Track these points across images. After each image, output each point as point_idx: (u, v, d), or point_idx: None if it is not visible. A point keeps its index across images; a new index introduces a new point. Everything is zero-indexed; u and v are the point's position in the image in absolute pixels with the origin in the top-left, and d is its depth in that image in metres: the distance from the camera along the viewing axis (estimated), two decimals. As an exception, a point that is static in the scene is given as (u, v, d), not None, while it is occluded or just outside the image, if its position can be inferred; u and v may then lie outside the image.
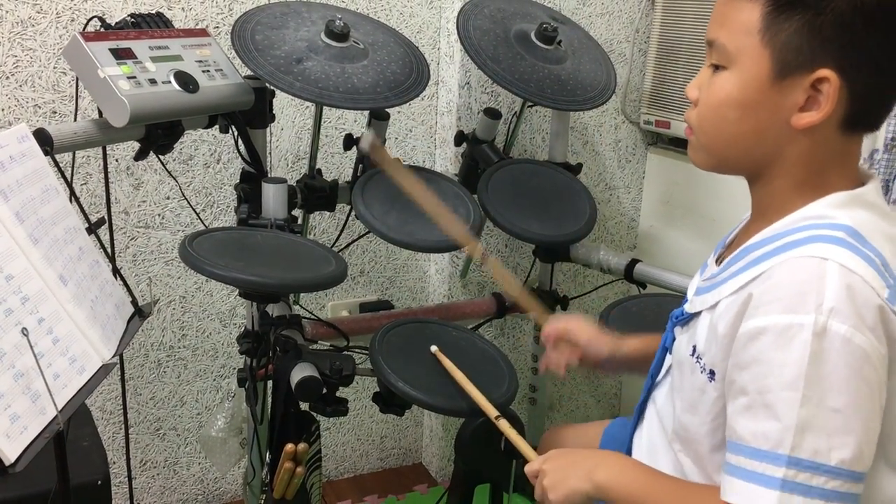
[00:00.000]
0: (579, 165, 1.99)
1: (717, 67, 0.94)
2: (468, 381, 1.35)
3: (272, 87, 1.59)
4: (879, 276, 0.84)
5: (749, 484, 0.85)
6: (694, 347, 0.99)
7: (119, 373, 1.83)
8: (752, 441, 0.85)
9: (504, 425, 1.24)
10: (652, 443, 1.13)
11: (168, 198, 1.99)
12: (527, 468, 1.07)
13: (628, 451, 1.19)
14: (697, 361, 0.97)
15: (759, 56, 0.90)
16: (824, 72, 0.87)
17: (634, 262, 1.86)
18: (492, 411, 1.28)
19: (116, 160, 1.91)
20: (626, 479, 0.98)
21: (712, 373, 0.94)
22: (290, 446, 1.37)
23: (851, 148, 0.93)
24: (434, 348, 1.45)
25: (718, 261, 1.02)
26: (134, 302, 1.33)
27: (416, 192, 1.54)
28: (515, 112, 2.09)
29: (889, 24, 0.86)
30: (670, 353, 1.10)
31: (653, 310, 1.69)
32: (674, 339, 1.08)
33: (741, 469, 0.86)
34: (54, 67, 1.81)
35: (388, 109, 1.76)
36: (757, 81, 0.90)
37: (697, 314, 1.00)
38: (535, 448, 1.19)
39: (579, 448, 1.27)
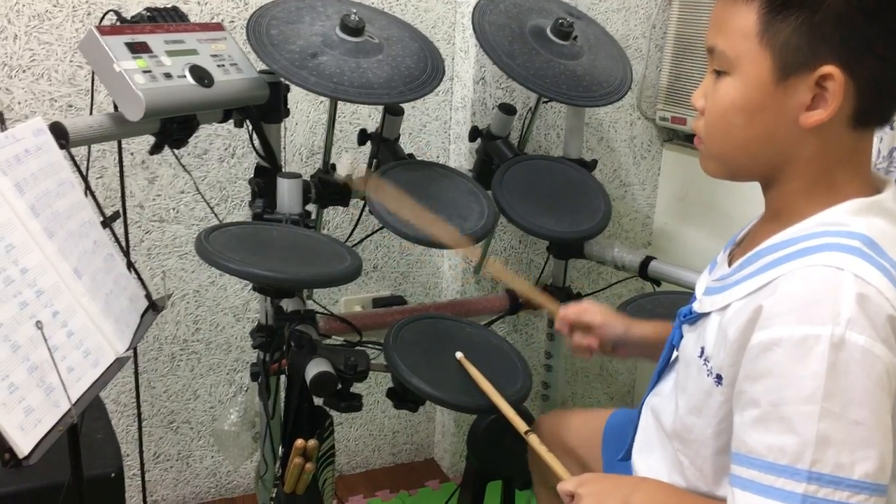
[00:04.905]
0: (594, 162, 1.97)
1: (719, 73, 0.93)
2: (495, 391, 1.32)
3: (287, 82, 1.58)
4: (894, 287, 0.83)
5: (767, 500, 0.82)
6: (702, 349, 0.97)
7: (133, 366, 1.84)
8: (767, 455, 0.83)
9: (534, 440, 1.19)
10: (647, 436, 1.12)
11: (182, 192, 1.99)
12: (560, 487, 1.04)
13: (630, 445, 1.18)
14: (705, 364, 0.96)
15: (759, 59, 0.88)
16: (827, 68, 0.85)
17: (649, 259, 1.85)
18: (521, 426, 1.24)
19: (131, 154, 1.92)
20: (660, 502, 0.97)
21: (719, 377, 0.93)
22: (300, 442, 1.37)
23: (862, 145, 0.91)
24: (459, 355, 1.41)
25: (730, 260, 1.00)
26: (148, 295, 1.34)
27: (409, 209, 1.51)
28: (530, 108, 2.08)
29: (889, 14, 0.84)
30: (677, 350, 1.09)
31: (667, 307, 1.68)
32: (681, 337, 1.07)
33: (756, 484, 0.84)
34: (70, 61, 1.82)
35: (402, 104, 1.76)
36: (760, 84, 0.89)
37: (707, 314, 0.98)
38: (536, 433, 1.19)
39: (613, 474, 1.23)
